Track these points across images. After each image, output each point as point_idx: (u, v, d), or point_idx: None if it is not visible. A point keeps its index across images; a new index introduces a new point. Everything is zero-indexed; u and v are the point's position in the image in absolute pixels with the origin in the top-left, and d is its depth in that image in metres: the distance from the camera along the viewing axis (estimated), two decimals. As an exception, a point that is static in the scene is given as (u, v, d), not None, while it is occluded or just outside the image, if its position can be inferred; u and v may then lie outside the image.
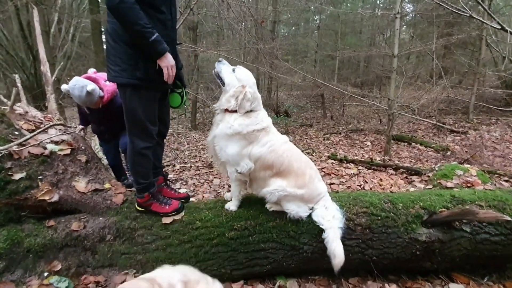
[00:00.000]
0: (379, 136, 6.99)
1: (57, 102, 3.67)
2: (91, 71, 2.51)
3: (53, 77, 3.21)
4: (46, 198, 1.90)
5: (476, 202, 1.90)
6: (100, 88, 2.36)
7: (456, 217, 1.77)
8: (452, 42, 6.07)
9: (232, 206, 1.97)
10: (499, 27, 5.44)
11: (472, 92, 7.26)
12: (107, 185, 2.11)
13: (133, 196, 2.11)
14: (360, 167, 4.62)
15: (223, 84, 1.87)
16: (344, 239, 1.76)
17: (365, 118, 9.30)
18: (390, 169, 4.34)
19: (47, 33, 7.11)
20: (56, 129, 2.33)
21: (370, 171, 4.43)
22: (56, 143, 2.16)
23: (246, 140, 1.80)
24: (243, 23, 6.51)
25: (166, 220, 1.94)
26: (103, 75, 2.43)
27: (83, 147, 2.28)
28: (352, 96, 6.87)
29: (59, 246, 1.85)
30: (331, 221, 1.77)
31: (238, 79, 1.84)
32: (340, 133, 7.57)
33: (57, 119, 2.75)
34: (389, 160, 4.96)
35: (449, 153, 5.27)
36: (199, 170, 4.76)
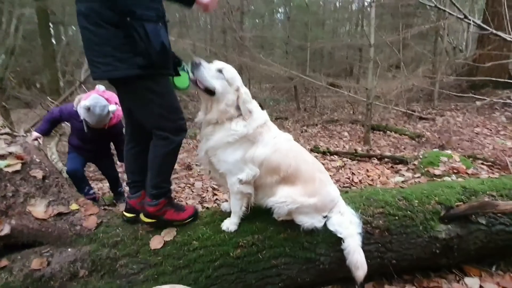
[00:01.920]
0: (355, 126, 7.09)
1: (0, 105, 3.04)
2: (101, 89, 2.32)
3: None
4: (-8, 231, 1.46)
5: (488, 192, 1.84)
6: None
7: (475, 210, 1.68)
8: (422, 31, 6.27)
9: (231, 225, 1.64)
10: (463, 17, 5.67)
11: (435, 80, 7.66)
12: (73, 206, 1.71)
13: (109, 217, 1.73)
14: (344, 159, 4.58)
15: (211, 93, 1.50)
16: (363, 245, 1.58)
17: (337, 108, 9.43)
18: (374, 159, 4.35)
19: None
20: (0, 139, 1.84)
21: (354, 162, 4.40)
22: (1, 157, 1.69)
23: (250, 141, 1.53)
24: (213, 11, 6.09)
25: (156, 244, 1.60)
26: (112, 94, 2.34)
27: (37, 160, 1.82)
28: (327, 87, 6.84)
29: (17, 291, 1.43)
30: (349, 228, 1.58)
31: (230, 83, 1.50)
32: (316, 125, 7.56)
33: (1, 126, 2.21)
34: (371, 150, 5.00)
35: (423, 139, 5.46)
36: (177, 173, 4.36)
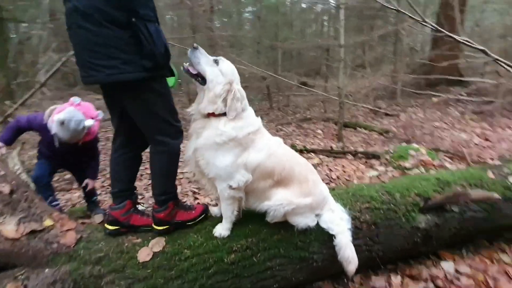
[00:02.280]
0: (327, 124, 7.33)
1: None
2: (76, 101, 2.11)
3: None
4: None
5: (458, 183, 2.00)
6: None
7: (450, 200, 1.83)
8: (388, 32, 6.68)
9: (224, 230, 1.61)
10: (421, 20, 6.08)
11: (398, 79, 8.20)
12: (47, 222, 1.55)
13: (89, 231, 1.61)
14: (321, 156, 4.70)
15: (203, 81, 1.48)
16: (352, 240, 1.64)
17: (309, 107, 9.67)
18: (349, 155, 4.53)
19: None
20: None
21: (331, 159, 4.54)
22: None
23: (241, 146, 1.49)
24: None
25: (144, 256, 1.52)
26: (88, 108, 2.15)
27: (1, 172, 1.63)
28: (300, 86, 6.99)
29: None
30: (340, 224, 1.63)
31: (223, 73, 1.48)
32: (290, 123, 7.67)
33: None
34: (345, 146, 5.20)
35: (391, 134, 5.81)
36: (149, 180, 4.16)
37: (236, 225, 1.65)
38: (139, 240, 1.63)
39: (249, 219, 1.69)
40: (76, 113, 1.99)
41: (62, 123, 1.91)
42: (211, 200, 3.54)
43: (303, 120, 7.91)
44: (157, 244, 1.59)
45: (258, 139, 1.54)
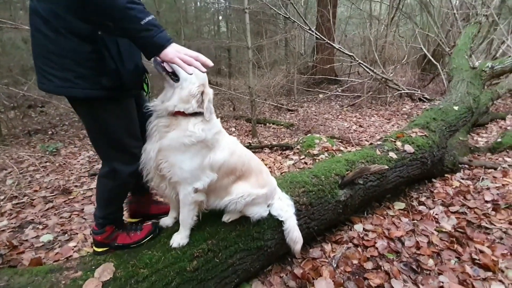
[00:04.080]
0: (239, 121, 7.69)
1: None
2: None
3: None
4: None
5: (360, 161, 2.55)
6: None
7: (358, 175, 2.32)
8: (274, 37, 7.48)
9: (182, 239, 1.57)
10: (308, 28, 7.12)
11: (294, 78, 9.38)
12: None
13: (7, 278, 1.26)
14: (241, 153, 4.94)
15: (176, 78, 1.37)
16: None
17: (218, 106, 9.84)
18: (266, 149, 4.95)
19: None
20: None
21: (251, 154, 4.84)
22: None
23: (208, 147, 1.48)
24: None
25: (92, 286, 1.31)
26: None
27: None
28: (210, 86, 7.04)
29: None
30: (287, 210, 1.84)
31: (196, 74, 1.40)
32: (203, 124, 7.64)
33: None
34: (261, 141, 5.62)
35: (295, 127, 6.63)
36: (52, 202, 3.40)
37: (193, 230, 1.63)
38: (78, 273, 1.39)
39: (205, 222, 1.69)
40: None
41: None
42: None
43: (215, 120, 8.01)
44: (105, 271, 1.40)
45: (221, 138, 1.56)
